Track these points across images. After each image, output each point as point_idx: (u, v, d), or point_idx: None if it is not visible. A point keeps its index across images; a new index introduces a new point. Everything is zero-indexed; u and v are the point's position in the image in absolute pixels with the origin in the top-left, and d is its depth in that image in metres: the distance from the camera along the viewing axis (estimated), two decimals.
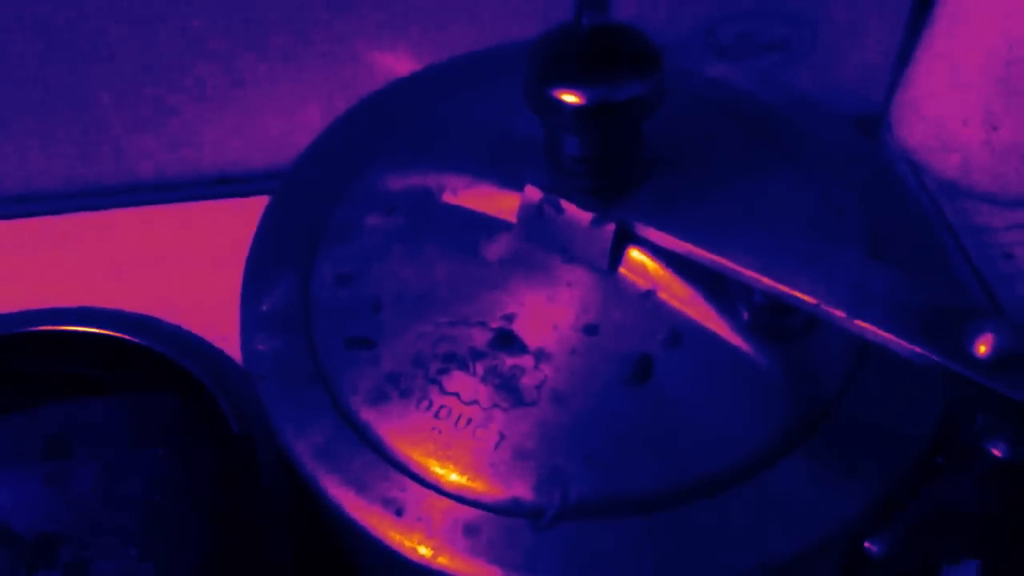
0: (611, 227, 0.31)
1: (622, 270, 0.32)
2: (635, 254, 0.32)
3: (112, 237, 0.58)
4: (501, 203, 0.33)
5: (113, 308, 0.43)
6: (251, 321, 0.33)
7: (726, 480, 0.29)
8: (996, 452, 0.29)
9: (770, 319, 0.31)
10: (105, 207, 0.61)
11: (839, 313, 0.28)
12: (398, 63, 0.55)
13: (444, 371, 0.30)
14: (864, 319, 0.27)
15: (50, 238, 0.59)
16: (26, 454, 0.30)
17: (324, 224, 0.35)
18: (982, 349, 0.26)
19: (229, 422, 0.37)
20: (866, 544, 0.30)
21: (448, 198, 0.35)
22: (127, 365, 0.40)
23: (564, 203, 0.31)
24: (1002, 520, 0.30)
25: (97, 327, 0.41)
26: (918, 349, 0.26)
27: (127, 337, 0.39)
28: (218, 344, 0.41)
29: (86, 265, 0.56)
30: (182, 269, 0.50)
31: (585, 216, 0.31)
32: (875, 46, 0.60)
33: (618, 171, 0.31)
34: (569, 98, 0.28)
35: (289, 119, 0.57)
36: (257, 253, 0.36)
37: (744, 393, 0.30)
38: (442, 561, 0.28)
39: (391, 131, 0.38)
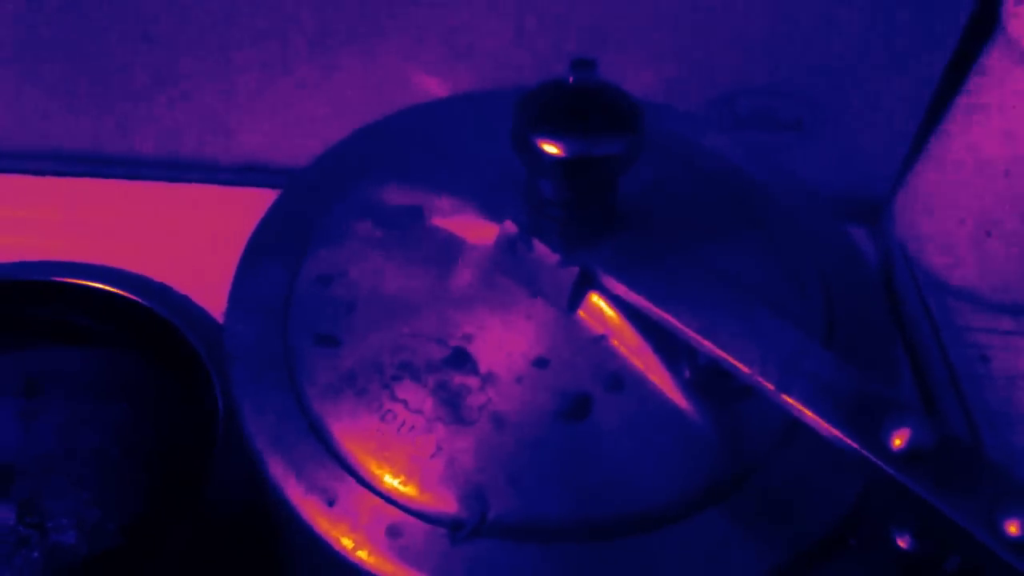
0: (574, 271, 0.33)
1: (580, 312, 0.34)
2: (594, 299, 0.33)
3: (141, 207, 0.62)
4: (481, 232, 0.35)
5: (134, 272, 0.46)
6: (236, 303, 0.36)
7: (634, 525, 0.31)
8: (901, 543, 0.30)
9: (710, 380, 0.32)
10: (141, 177, 0.64)
11: (769, 385, 0.29)
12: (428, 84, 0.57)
13: (397, 378, 0.32)
14: (791, 395, 0.29)
15: (81, 199, 0.62)
16: (5, 390, 0.32)
17: (319, 226, 0.38)
18: (897, 442, 0.28)
19: (216, 395, 0.39)
20: None
21: (435, 220, 0.37)
22: (137, 326, 0.42)
23: (536, 242, 0.33)
24: None
25: (112, 286, 0.43)
26: (837, 432, 0.28)
27: (140, 300, 0.42)
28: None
29: (111, 229, 0.60)
30: (201, 246, 0.53)
31: (552, 257, 0.33)
32: (888, 137, 0.62)
33: (590, 220, 0.33)
34: (550, 148, 0.30)
35: (315, 123, 0.59)
36: (254, 243, 0.38)
37: (673, 446, 0.32)
38: (361, 555, 0.30)
39: (395, 151, 0.40)
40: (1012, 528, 0.26)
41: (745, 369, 0.30)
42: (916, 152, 0.62)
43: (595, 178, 0.31)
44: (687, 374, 0.32)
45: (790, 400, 0.29)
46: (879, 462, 0.28)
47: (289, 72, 0.59)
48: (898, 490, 0.28)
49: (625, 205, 0.34)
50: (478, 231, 0.36)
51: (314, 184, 0.40)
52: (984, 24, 0.55)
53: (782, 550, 0.31)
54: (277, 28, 0.57)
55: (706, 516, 0.31)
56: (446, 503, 0.30)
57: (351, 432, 0.32)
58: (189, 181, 0.64)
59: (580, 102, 0.31)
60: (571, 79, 0.30)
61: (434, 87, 0.57)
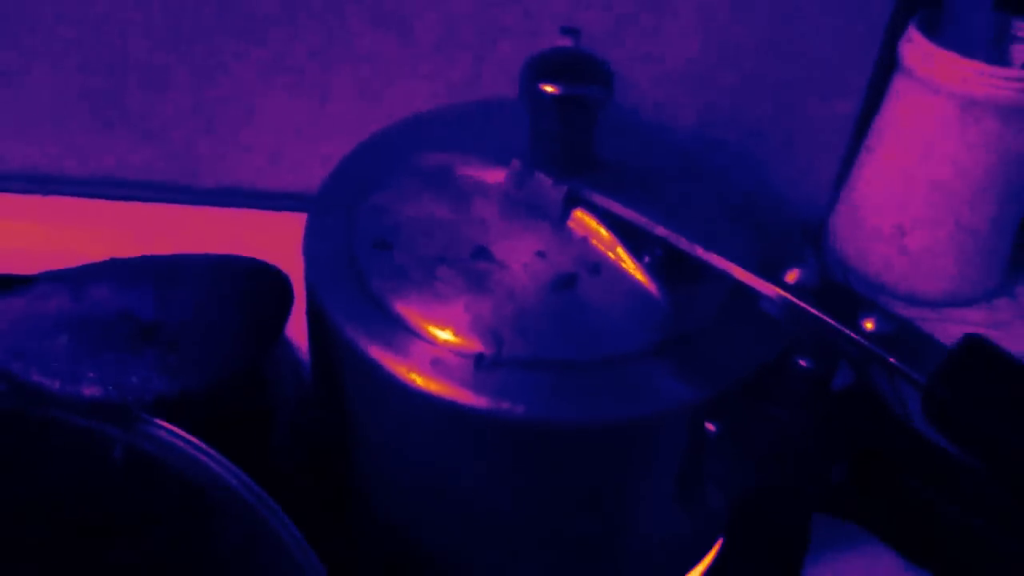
0: (564, 189, 0.45)
1: (569, 223, 0.46)
2: (578, 215, 0.46)
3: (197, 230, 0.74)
4: (497, 176, 0.48)
5: None
6: (311, 232, 0.48)
7: (606, 362, 0.42)
8: (803, 363, 0.42)
9: (665, 266, 0.45)
10: (198, 203, 0.77)
11: (697, 249, 0.42)
12: None
13: (436, 266, 0.45)
14: (715, 252, 0.41)
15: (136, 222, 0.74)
16: (147, 278, 0.44)
17: (371, 181, 0.50)
18: (790, 277, 0.40)
19: None
20: (706, 424, 0.43)
21: (463, 171, 0.49)
22: None
23: (537, 172, 0.46)
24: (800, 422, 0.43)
25: None
26: (749, 275, 0.40)
27: None
28: None
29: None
30: None
31: (548, 181, 0.46)
32: (819, 161, 0.75)
33: (576, 155, 0.46)
34: (548, 88, 0.43)
35: None
36: (320, 194, 0.50)
37: (636, 311, 0.44)
38: (414, 378, 0.42)
39: (428, 133, 0.53)
40: (868, 324, 0.38)
41: (684, 244, 0.42)
42: (846, 170, 0.76)
43: (580, 113, 0.44)
44: (647, 260, 0.45)
45: (715, 257, 0.41)
46: (779, 290, 0.39)
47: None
48: (795, 317, 0.39)
49: (603, 154, 0.47)
50: (494, 175, 0.48)
51: (362, 157, 0.52)
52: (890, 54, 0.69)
53: (712, 386, 0.42)
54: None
55: (659, 359, 0.43)
56: (473, 343, 0.42)
57: (403, 301, 0.44)
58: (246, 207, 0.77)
59: (569, 61, 0.44)
60: (562, 48, 0.43)
61: None
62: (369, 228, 0.47)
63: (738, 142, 0.73)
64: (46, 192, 0.75)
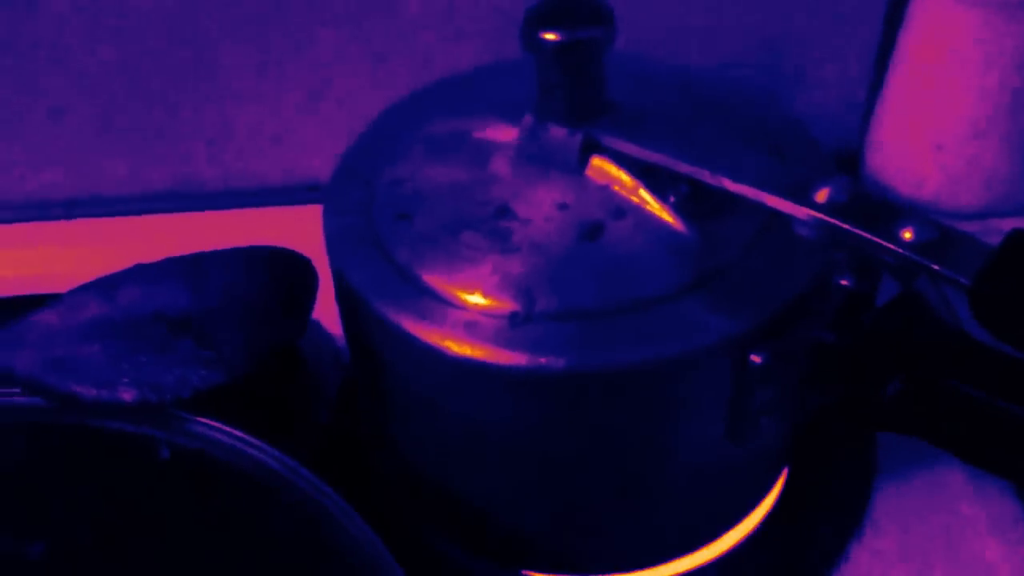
0: (579, 137, 0.44)
1: (588, 172, 0.45)
2: (596, 162, 0.45)
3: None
4: (510, 134, 0.47)
5: None
6: (330, 207, 0.48)
7: (639, 305, 0.41)
8: (844, 282, 0.41)
9: (690, 203, 0.44)
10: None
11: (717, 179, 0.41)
12: None
13: (458, 230, 0.44)
14: (740, 181, 0.40)
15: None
16: (177, 272, 0.44)
17: (384, 156, 0.50)
18: (821, 196, 0.39)
19: None
20: (751, 356, 0.42)
21: (477, 134, 0.49)
22: None
23: (549, 125, 0.45)
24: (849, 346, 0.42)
25: None
26: (779, 199, 0.39)
27: None
28: None
29: None
30: None
31: (561, 131, 0.45)
32: (846, 88, 0.74)
33: (587, 101, 0.45)
34: (549, 36, 0.42)
35: None
36: (339, 167, 0.50)
37: (666, 251, 0.43)
38: (449, 345, 0.41)
39: (439, 102, 0.53)
40: (907, 234, 0.37)
41: (709, 178, 0.41)
42: (873, 95, 0.74)
43: (585, 58, 0.43)
44: (672, 199, 0.44)
45: (743, 187, 0.40)
46: (809, 210, 0.38)
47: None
48: (830, 235, 0.38)
49: (614, 98, 0.46)
50: (507, 133, 0.47)
51: (378, 128, 0.52)
52: None
53: (753, 317, 0.41)
54: None
55: (695, 296, 0.42)
56: (505, 303, 0.42)
57: (430, 269, 0.43)
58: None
59: (568, 6, 0.43)
60: None
61: None
62: (389, 201, 0.47)
63: (757, 72, 0.72)
64: (61, 216, 0.75)
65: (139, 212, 0.75)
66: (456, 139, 0.49)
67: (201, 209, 0.75)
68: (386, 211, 0.46)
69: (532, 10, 0.43)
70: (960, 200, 0.71)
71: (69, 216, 0.74)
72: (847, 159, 0.78)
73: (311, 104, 0.73)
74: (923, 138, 0.70)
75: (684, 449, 0.45)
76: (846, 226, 0.37)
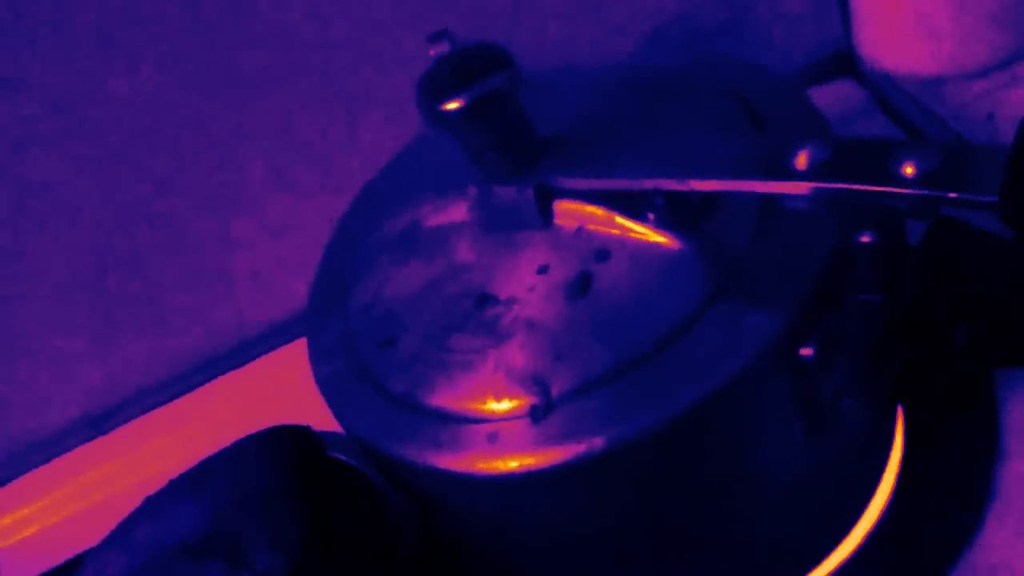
0: (529, 191, 0.40)
1: (556, 221, 0.41)
2: (561, 204, 0.40)
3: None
4: (461, 210, 0.43)
5: None
6: (315, 355, 0.44)
7: (667, 339, 0.37)
8: (866, 239, 0.36)
9: (671, 213, 0.39)
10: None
11: (697, 184, 0.36)
12: None
13: (446, 337, 0.40)
14: (706, 179, 0.35)
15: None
16: (182, 494, 0.41)
17: (350, 268, 0.46)
18: (800, 162, 0.34)
19: None
20: (801, 352, 0.37)
21: (429, 222, 0.44)
22: None
23: (495, 188, 0.41)
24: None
25: None
26: (756, 183, 0.34)
27: None
28: None
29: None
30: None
31: (510, 191, 0.40)
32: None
33: (523, 149, 0.40)
34: (451, 105, 0.38)
35: None
36: (311, 299, 0.46)
37: (667, 273, 0.38)
38: (478, 465, 0.37)
39: (382, 199, 0.48)
40: (908, 169, 0.31)
41: (675, 185, 0.36)
42: None
43: (497, 109, 0.38)
44: (651, 217, 0.39)
45: (713, 183, 0.35)
46: (793, 184, 0.33)
47: None
48: (828, 200, 0.33)
49: (551, 129, 0.41)
50: (459, 210, 0.43)
51: (336, 249, 0.48)
52: None
53: (782, 312, 0.36)
54: None
55: (714, 311, 0.37)
56: (519, 399, 0.37)
57: (431, 392, 0.39)
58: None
59: (457, 66, 0.38)
60: (437, 51, 0.37)
61: None
62: (367, 328, 0.43)
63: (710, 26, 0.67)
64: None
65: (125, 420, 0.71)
66: (411, 235, 0.45)
67: (190, 388, 0.71)
68: (368, 341, 0.42)
69: (424, 81, 0.39)
70: (966, 61, 0.65)
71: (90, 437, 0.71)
72: (844, 58, 0.72)
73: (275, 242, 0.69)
74: (908, 11, 0.64)
75: (771, 468, 0.41)
76: (838, 185, 0.32)
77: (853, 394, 0.40)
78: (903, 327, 0.38)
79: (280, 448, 0.42)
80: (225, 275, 0.67)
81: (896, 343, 0.38)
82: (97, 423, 0.72)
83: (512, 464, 0.37)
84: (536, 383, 0.37)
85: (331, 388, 0.42)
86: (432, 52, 0.38)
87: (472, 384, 0.38)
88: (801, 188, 0.33)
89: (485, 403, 0.38)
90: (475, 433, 0.38)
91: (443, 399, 0.39)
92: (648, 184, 0.37)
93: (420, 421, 0.39)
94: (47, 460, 0.71)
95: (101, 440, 0.71)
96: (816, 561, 0.44)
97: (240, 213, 0.65)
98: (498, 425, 0.37)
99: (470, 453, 0.37)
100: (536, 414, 0.37)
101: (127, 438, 0.70)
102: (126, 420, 0.71)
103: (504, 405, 0.38)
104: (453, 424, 0.38)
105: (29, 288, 0.64)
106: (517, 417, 0.37)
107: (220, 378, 0.70)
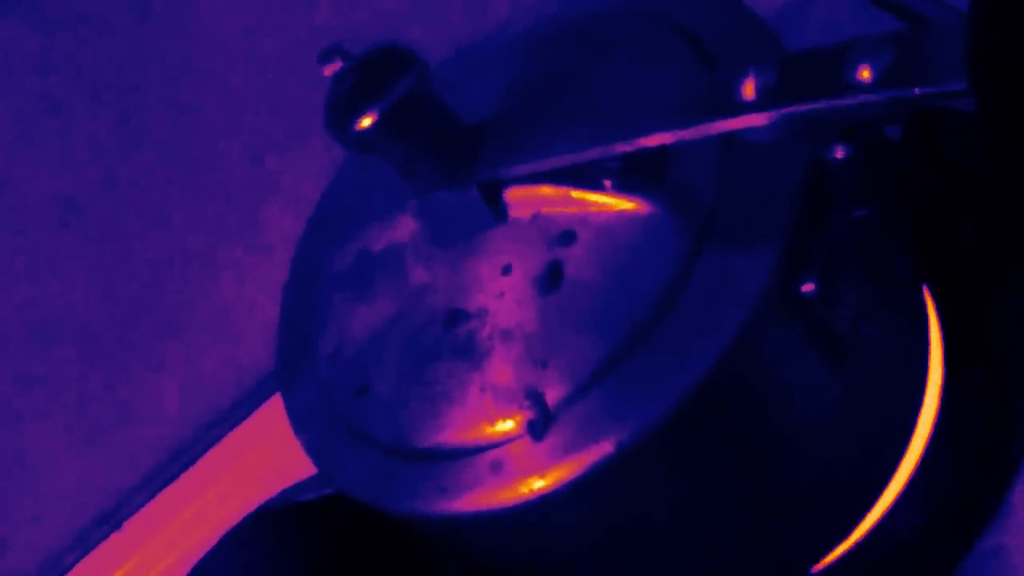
0: (472, 190, 0.36)
1: (510, 213, 0.37)
2: (511, 193, 0.37)
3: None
4: (408, 227, 0.40)
5: None
6: (294, 420, 0.40)
7: (658, 312, 0.33)
8: (840, 154, 0.32)
9: (628, 175, 0.35)
10: None
11: (645, 142, 0.32)
12: None
13: (423, 370, 0.36)
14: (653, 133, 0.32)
15: None
16: None
17: (310, 318, 0.42)
18: (747, 91, 0.30)
19: None
20: (802, 290, 0.34)
21: (378, 247, 0.41)
22: None
23: (435, 196, 0.37)
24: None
25: None
26: (705, 125, 0.31)
27: None
28: None
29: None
30: None
31: (452, 195, 0.37)
32: None
33: (454, 147, 0.37)
34: (365, 122, 0.34)
35: None
36: (278, 364, 0.43)
37: (639, 240, 0.35)
38: (487, 500, 0.34)
39: (325, 229, 0.45)
40: (864, 74, 0.28)
41: (621, 147, 0.33)
42: None
43: (413, 112, 0.35)
44: (609, 184, 0.35)
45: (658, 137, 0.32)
46: (743, 118, 0.30)
47: None
48: (787, 125, 0.30)
49: (477, 115, 0.38)
50: (405, 227, 0.40)
51: (294, 297, 0.44)
52: None
53: (770, 249, 0.33)
54: None
55: (701, 267, 0.34)
56: (513, 416, 0.34)
57: (420, 434, 0.36)
58: None
59: (360, 80, 0.35)
60: (332, 69, 0.34)
61: None
62: (339, 378, 0.40)
63: None
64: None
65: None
66: (362, 266, 0.41)
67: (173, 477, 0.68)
68: (344, 392, 0.39)
69: (328, 104, 0.35)
70: None
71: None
72: None
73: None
74: None
75: (804, 419, 0.37)
76: (792, 109, 0.29)
77: (870, 318, 0.36)
78: (904, 233, 0.34)
79: (266, 538, 0.39)
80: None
81: (900, 254, 0.35)
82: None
83: (523, 491, 0.33)
84: (528, 396, 0.34)
85: (319, 454, 0.39)
86: (327, 72, 0.34)
87: (460, 413, 0.35)
88: (755, 120, 0.29)
89: (480, 431, 0.35)
90: (477, 465, 0.34)
91: (435, 438, 0.35)
92: (595, 153, 0.34)
93: (417, 468, 0.36)
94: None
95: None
96: (869, 503, 0.40)
97: None
98: (499, 451, 0.34)
99: (476, 488, 0.34)
100: (536, 430, 0.33)
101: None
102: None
103: (500, 428, 0.34)
104: (452, 462, 0.35)
105: None
106: (517, 437, 0.34)
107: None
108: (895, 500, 0.40)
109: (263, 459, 0.60)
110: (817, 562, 0.40)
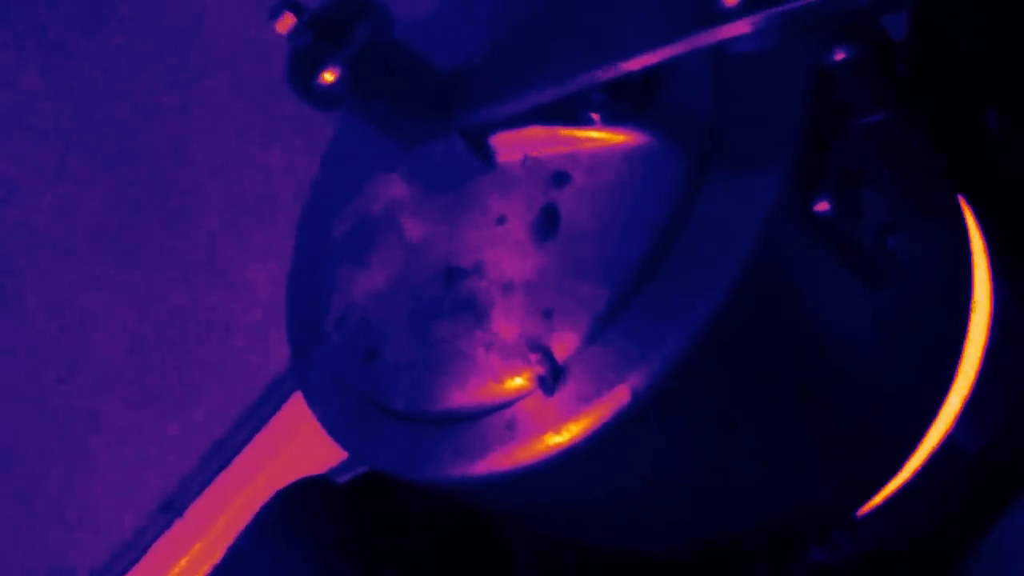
0: (457, 139, 0.34)
1: (498, 159, 0.35)
2: (497, 138, 0.35)
3: None
4: (397, 184, 0.38)
5: None
6: (309, 396, 0.39)
7: (663, 247, 0.31)
8: (841, 55, 0.30)
9: (615, 105, 0.33)
10: None
11: (628, 66, 0.30)
12: None
13: (427, 331, 0.35)
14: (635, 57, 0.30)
15: None
16: None
17: (316, 288, 0.41)
18: None
19: None
20: (816, 209, 0.31)
21: (371, 210, 0.39)
22: None
23: (421, 149, 0.35)
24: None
25: None
26: (691, 39, 0.28)
27: None
28: None
29: None
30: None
31: (436, 146, 0.35)
32: None
33: (430, 95, 0.35)
34: (328, 77, 0.32)
35: None
36: (289, 335, 0.41)
37: (635, 172, 0.33)
38: (506, 461, 0.32)
39: (327, 195, 0.43)
40: None
41: (607, 73, 0.31)
42: None
43: (383, 61, 0.32)
44: (597, 118, 0.33)
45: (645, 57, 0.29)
46: (728, 27, 0.28)
47: None
48: (776, 27, 0.27)
49: (456, 60, 0.36)
50: (399, 186, 0.38)
51: (299, 276, 0.43)
52: None
53: (780, 167, 0.31)
54: None
55: (705, 193, 0.32)
56: (523, 372, 0.32)
57: (431, 398, 0.34)
58: None
59: (321, 24, 0.32)
60: (286, 27, 0.32)
61: None
62: (347, 347, 0.38)
63: None
64: None
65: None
66: (360, 229, 0.39)
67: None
68: (353, 360, 0.37)
69: (290, 65, 0.33)
70: None
71: None
72: None
73: None
74: None
75: (841, 344, 0.35)
76: (778, 9, 0.26)
77: (900, 229, 0.34)
78: (927, 136, 0.31)
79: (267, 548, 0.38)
80: None
81: (920, 154, 0.32)
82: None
83: (540, 447, 0.32)
84: (535, 350, 0.32)
85: (338, 429, 0.38)
86: (280, 28, 0.32)
87: (470, 372, 0.33)
88: (740, 28, 0.27)
89: (491, 390, 0.33)
90: (492, 426, 0.33)
91: (447, 402, 0.34)
92: (578, 84, 0.31)
93: (433, 433, 0.34)
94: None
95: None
96: (918, 435, 0.37)
97: None
98: (512, 409, 0.32)
99: (494, 449, 0.32)
100: (546, 384, 0.32)
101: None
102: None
103: (510, 385, 0.33)
104: (466, 424, 0.33)
105: None
106: (529, 394, 0.32)
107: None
108: (948, 430, 0.37)
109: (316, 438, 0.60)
110: (862, 505, 0.37)
